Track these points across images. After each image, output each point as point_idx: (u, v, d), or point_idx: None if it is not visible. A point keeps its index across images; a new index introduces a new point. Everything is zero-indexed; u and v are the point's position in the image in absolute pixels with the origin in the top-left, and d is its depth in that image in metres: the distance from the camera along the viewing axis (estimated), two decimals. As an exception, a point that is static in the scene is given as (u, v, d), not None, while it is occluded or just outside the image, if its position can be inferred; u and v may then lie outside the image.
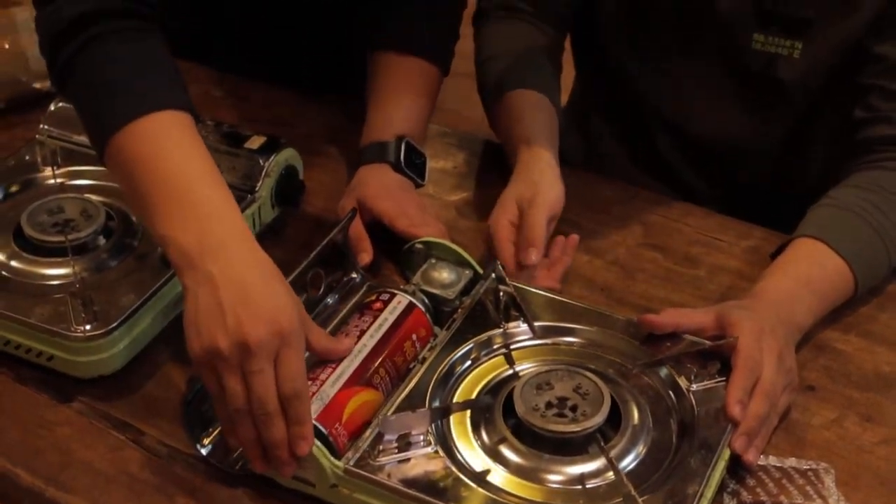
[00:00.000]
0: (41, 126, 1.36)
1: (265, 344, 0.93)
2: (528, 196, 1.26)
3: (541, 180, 1.29)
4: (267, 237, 1.31)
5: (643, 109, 1.57)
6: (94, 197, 1.27)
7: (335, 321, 1.17)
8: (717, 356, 1.09)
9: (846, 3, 1.34)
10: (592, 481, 0.99)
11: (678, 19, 1.45)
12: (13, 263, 1.19)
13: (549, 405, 1.03)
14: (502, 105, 1.44)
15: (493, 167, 1.46)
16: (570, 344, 1.15)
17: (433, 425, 1.02)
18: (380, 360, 1.06)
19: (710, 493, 0.98)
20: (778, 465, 1.06)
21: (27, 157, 1.34)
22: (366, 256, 1.25)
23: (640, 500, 0.94)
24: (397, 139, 1.38)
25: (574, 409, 1.02)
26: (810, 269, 1.22)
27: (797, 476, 1.05)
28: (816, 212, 1.28)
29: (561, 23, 1.58)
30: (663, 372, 1.10)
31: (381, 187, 1.33)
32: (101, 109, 1.10)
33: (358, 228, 1.25)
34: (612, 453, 1.00)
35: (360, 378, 1.03)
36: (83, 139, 1.34)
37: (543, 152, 1.33)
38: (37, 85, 1.51)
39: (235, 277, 0.97)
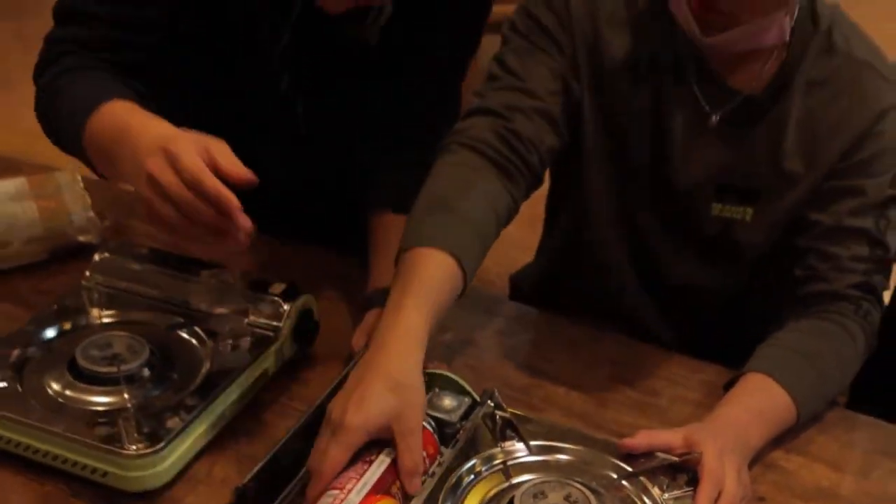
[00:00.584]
0: (86, 273, 1.40)
1: None
2: (403, 414, 1.08)
3: (408, 390, 1.10)
4: (287, 371, 1.35)
5: (610, 256, 1.57)
6: (138, 335, 1.30)
7: None
8: (684, 469, 1.15)
9: (788, 178, 1.40)
10: None
11: (650, 190, 1.49)
12: (68, 392, 1.21)
13: None
14: (401, 261, 1.24)
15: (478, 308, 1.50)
16: (560, 460, 1.18)
17: None
18: (396, 472, 1.09)
19: None
20: None
21: (75, 300, 1.36)
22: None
23: None
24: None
25: None
26: (760, 400, 1.27)
27: None
28: (764, 350, 1.34)
29: (529, 178, 1.39)
30: (640, 483, 1.14)
31: None
32: (74, 110, 1.35)
33: None
34: None
35: (380, 488, 1.06)
36: (125, 285, 1.41)
37: (411, 348, 1.14)
38: (80, 238, 1.55)
39: None
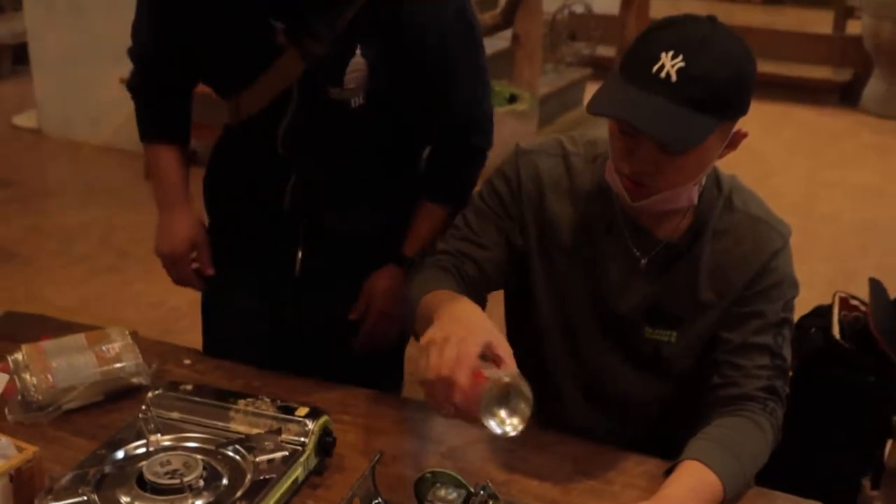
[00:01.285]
0: (143, 407, 1.44)
1: None
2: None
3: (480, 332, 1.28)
4: (311, 480, 1.40)
5: (559, 374, 1.62)
6: (192, 454, 1.35)
7: None
8: None
9: (703, 306, 1.50)
10: None
11: (592, 320, 1.56)
12: (137, 502, 1.26)
13: None
14: (420, 303, 1.46)
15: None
16: None
17: None
18: None
19: None
20: None
21: (136, 429, 1.40)
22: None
23: None
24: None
25: None
26: (694, 481, 1.34)
27: None
28: (695, 443, 1.40)
29: (470, 290, 1.52)
30: None
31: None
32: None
33: None
34: None
35: None
36: (176, 415, 1.46)
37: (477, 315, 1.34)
38: (133, 380, 1.59)
39: None
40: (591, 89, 5.58)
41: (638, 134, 1.34)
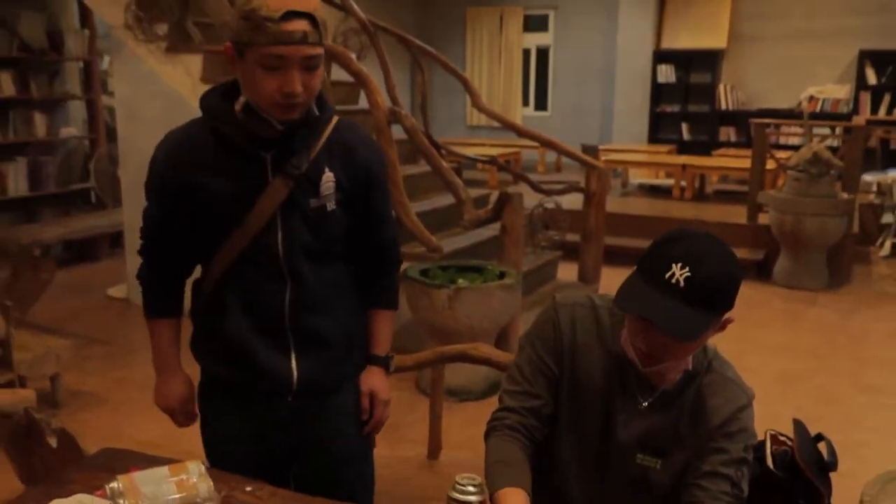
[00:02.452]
0: None
1: None
2: None
3: None
4: None
5: (567, 492, 1.63)
6: None
7: None
8: None
9: (683, 441, 1.53)
10: None
11: (597, 446, 1.59)
12: None
13: None
14: (496, 498, 1.48)
15: None
16: None
17: None
18: None
19: None
20: None
21: None
22: None
23: None
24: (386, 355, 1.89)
25: None
26: None
27: None
28: None
29: (535, 442, 1.62)
30: None
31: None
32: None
33: None
34: None
35: None
36: None
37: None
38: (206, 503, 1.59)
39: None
40: (562, 267, 5.71)
41: (650, 325, 1.42)
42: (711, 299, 1.40)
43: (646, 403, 1.56)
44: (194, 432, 1.92)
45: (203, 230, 1.75)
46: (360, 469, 1.97)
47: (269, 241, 1.72)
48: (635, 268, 1.47)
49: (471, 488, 1.37)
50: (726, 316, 1.46)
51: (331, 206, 1.73)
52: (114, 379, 4.31)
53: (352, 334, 1.87)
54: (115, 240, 6.68)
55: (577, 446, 1.62)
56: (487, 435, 1.65)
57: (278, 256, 1.72)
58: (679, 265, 1.38)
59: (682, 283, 1.37)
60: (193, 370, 1.95)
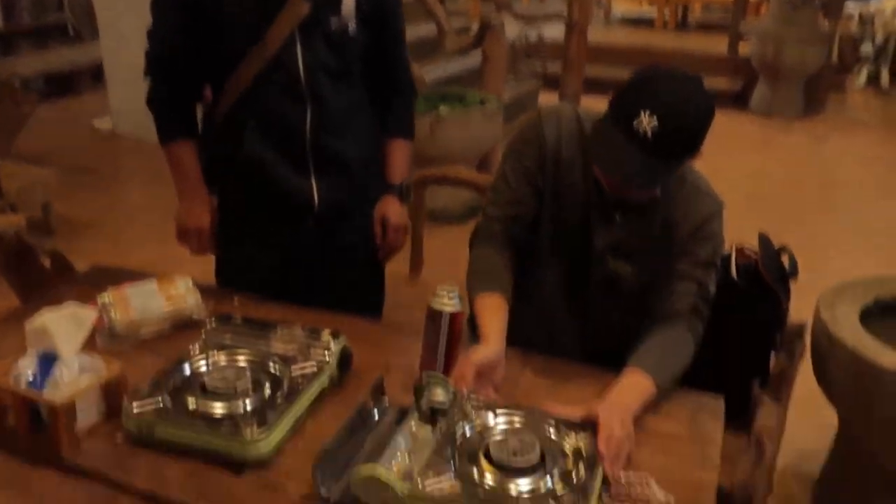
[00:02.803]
0: (203, 333, 1.45)
1: None
2: (472, 356, 1.34)
3: (483, 350, 1.37)
4: (334, 387, 1.40)
5: (546, 290, 1.64)
6: (242, 368, 1.37)
7: (379, 429, 1.25)
8: (588, 426, 1.24)
9: (655, 249, 1.52)
10: (535, 490, 1.12)
11: (576, 249, 1.58)
12: (201, 405, 1.26)
13: (509, 452, 1.16)
14: (475, 303, 1.50)
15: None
16: (514, 421, 1.26)
17: (450, 465, 1.14)
18: None
19: (596, 490, 1.13)
20: (624, 477, 1.19)
21: (198, 350, 1.41)
22: (465, 388, 1.29)
23: (560, 495, 1.09)
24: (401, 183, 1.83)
25: (522, 453, 1.16)
26: (634, 383, 1.37)
27: (636, 481, 1.19)
28: (635, 355, 1.42)
29: (519, 250, 1.59)
30: (562, 432, 1.23)
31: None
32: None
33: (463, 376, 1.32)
34: (545, 473, 1.14)
35: None
36: (228, 340, 1.45)
37: (492, 339, 1.41)
38: (193, 316, 1.59)
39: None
40: (543, 97, 5.59)
41: None
42: (678, 150, 1.36)
43: (620, 216, 1.55)
44: (188, 258, 1.90)
45: (219, 49, 1.65)
46: (371, 293, 1.95)
47: (289, 61, 1.63)
48: (608, 106, 1.41)
49: (447, 299, 1.38)
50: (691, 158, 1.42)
51: (352, 25, 1.65)
52: (104, 206, 4.28)
53: (370, 158, 1.82)
54: (95, 74, 6.44)
55: (557, 254, 1.61)
56: (472, 244, 1.65)
57: (299, 77, 1.64)
58: (647, 113, 1.30)
59: (649, 135, 1.31)
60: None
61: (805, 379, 2.02)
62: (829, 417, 2.13)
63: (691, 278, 1.50)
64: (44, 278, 2.29)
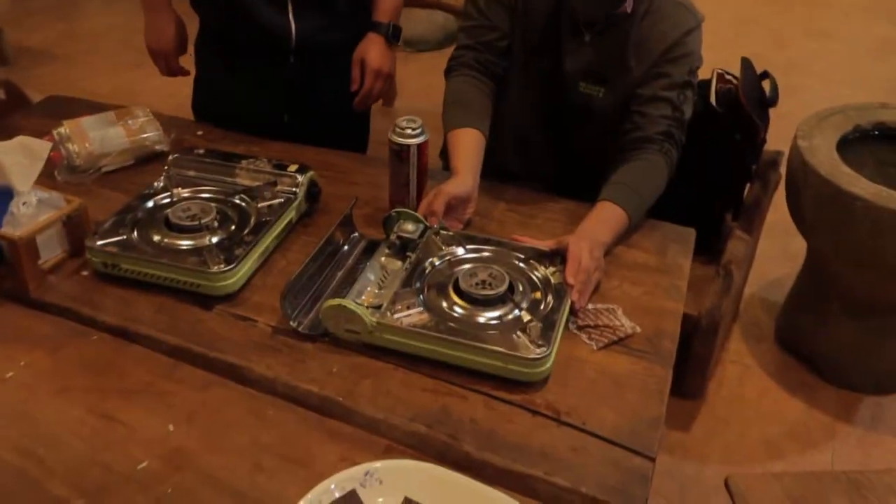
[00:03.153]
0: (166, 167, 1.40)
1: None
2: (443, 189, 1.32)
3: (455, 183, 1.34)
4: (302, 219, 1.38)
5: (520, 117, 1.59)
6: (207, 202, 1.33)
7: (348, 263, 1.25)
8: (558, 255, 1.23)
9: (627, 69, 1.45)
10: (503, 319, 1.12)
11: (546, 74, 1.52)
12: (166, 240, 1.25)
13: (477, 283, 1.15)
14: (449, 137, 1.46)
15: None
16: (483, 255, 1.25)
17: (419, 297, 1.14)
18: None
19: (563, 320, 1.13)
20: (592, 307, 1.20)
21: (161, 184, 1.37)
22: (435, 221, 1.29)
23: (527, 322, 1.09)
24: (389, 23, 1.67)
25: (490, 284, 1.15)
26: (606, 215, 1.35)
27: (603, 311, 1.19)
28: (607, 187, 1.39)
29: (494, 78, 1.55)
30: (532, 264, 1.22)
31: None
32: None
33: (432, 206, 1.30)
34: (514, 303, 1.14)
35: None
36: (192, 173, 1.40)
37: (464, 174, 1.37)
38: (156, 147, 1.54)
39: None
40: None
41: None
42: None
43: (589, 37, 1.47)
44: (150, 86, 1.81)
45: None
46: (355, 130, 1.89)
47: None
48: None
49: (409, 130, 1.33)
50: None
51: None
52: (59, 32, 4.06)
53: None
54: None
55: (530, 78, 1.55)
56: (447, 74, 1.57)
57: None
58: None
59: None
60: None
61: (778, 207, 2.04)
62: (798, 247, 2.16)
63: (665, 100, 1.45)
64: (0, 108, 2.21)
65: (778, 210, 2.04)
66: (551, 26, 1.49)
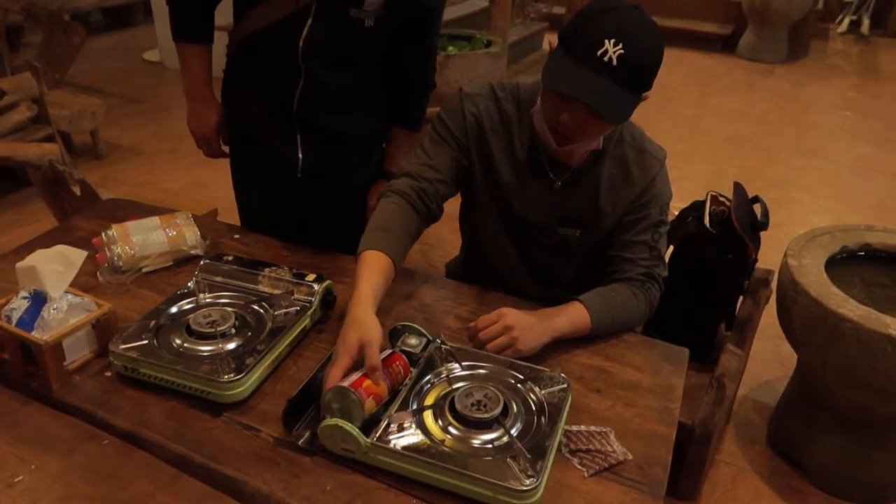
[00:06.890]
0: (196, 273, 1.33)
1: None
2: (364, 338, 1.06)
3: (366, 325, 1.08)
4: (316, 327, 1.28)
5: (495, 255, 1.47)
6: (227, 308, 1.24)
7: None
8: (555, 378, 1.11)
9: (601, 213, 1.35)
10: (496, 442, 1.00)
11: (518, 222, 1.40)
12: (185, 345, 1.15)
13: (472, 404, 1.04)
14: (359, 257, 1.23)
15: (428, 284, 1.43)
16: (480, 373, 1.14)
17: (415, 418, 1.03)
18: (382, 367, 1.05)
19: (555, 445, 1.00)
20: (585, 429, 1.07)
21: (189, 289, 1.29)
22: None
23: (521, 447, 0.97)
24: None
25: (486, 406, 1.04)
26: (569, 310, 1.25)
27: (595, 434, 1.06)
28: (587, 293, 1.29)
29: (429, 216, 1.35)
30: (528, 385, 1.10)
31: None
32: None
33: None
34: (507, 426, 1.02)
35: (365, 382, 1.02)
36: (219, 279, 1.32)
37: (366, 305, 1.12)
38: (192, 251, 1.46)
39: None
40: (549, 38, 5.25)
41: (575, 102, 1.15)
42: (640, 78, 1.15)
43: (560, 183, 1.36)
44: (215, 183, 1.73)
45: None
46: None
47: (291, 33, 1.41)
48: (558, 41, 1.19)
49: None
50: (645, 94, 1.19)
51: (369, 22, 1.40)
52: (148, 133, 4.11)
53: (364, 137, 1.59)
54: (148, 8, 6.14)
55: (496, 225, 1.43)
56: (379, 198, 1.38)
57: (297, 50, 1.42)
58: (612, 41, 1.10)
59: (614, 62, 1.10)
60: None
61: (770, 311, 1.88)
62: (789, 351, 1.98)
63: (642, 243, 1.33)
64: (76, 203, 2.18)
65: (769, 314, 1.88)
66: (516, 176, 1.37)
